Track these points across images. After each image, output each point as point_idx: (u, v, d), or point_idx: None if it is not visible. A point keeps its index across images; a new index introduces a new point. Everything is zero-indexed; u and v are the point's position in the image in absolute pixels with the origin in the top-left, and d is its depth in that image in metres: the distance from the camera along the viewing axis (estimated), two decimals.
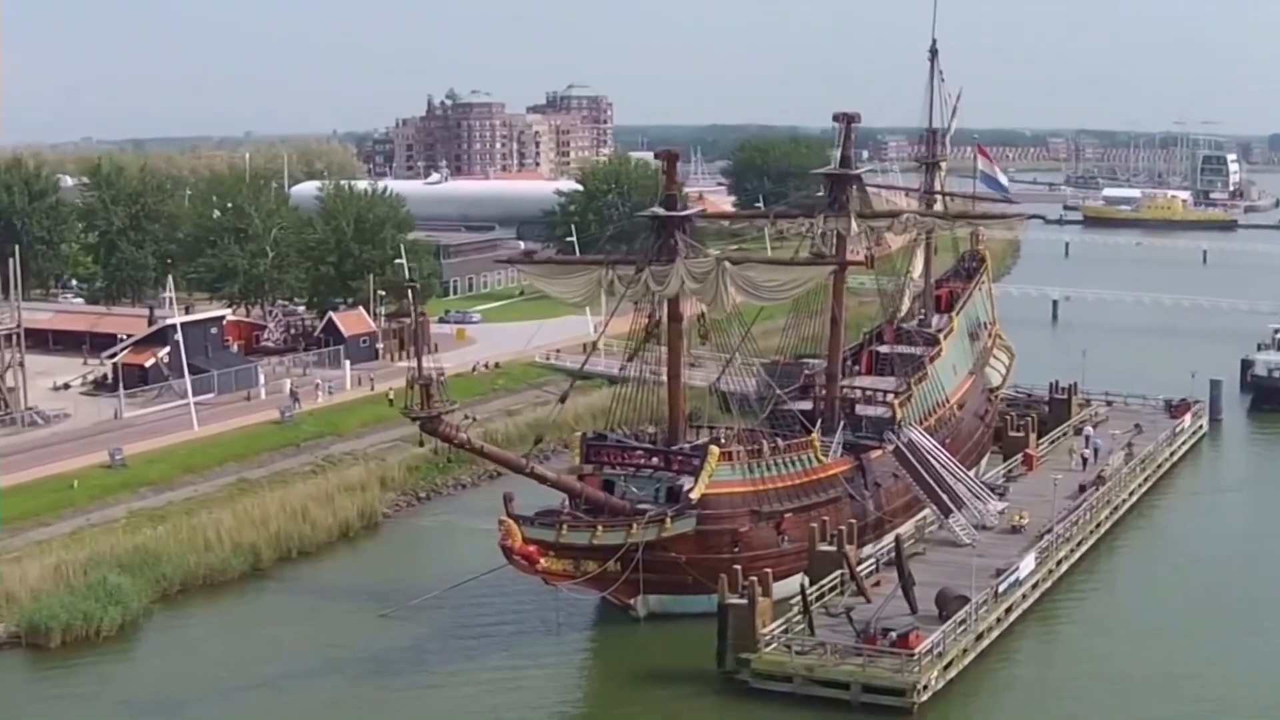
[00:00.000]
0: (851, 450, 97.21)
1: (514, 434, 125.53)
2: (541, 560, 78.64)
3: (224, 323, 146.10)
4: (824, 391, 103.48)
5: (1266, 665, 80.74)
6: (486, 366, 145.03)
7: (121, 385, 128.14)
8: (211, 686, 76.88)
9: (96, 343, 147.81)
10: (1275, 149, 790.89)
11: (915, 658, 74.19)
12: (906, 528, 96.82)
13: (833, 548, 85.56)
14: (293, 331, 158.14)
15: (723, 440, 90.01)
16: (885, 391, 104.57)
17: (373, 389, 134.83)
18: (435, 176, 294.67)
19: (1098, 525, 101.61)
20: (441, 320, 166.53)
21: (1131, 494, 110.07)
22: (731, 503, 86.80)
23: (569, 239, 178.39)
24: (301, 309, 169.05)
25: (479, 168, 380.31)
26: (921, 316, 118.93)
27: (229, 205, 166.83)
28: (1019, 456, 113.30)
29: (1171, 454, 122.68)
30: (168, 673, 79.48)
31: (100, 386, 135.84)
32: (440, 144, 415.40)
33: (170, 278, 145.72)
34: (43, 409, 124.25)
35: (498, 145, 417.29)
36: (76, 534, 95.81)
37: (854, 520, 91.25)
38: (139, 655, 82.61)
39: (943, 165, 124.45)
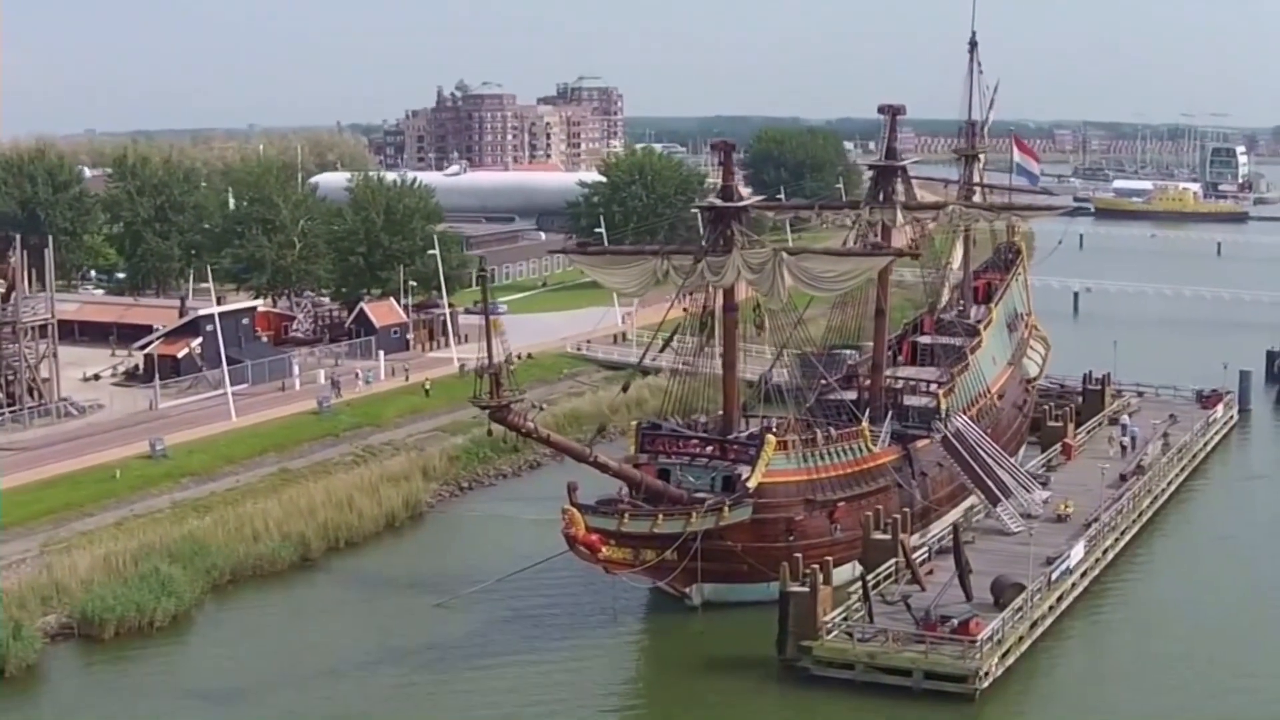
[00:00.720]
0: (899, 440, 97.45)
1: (551, 424, 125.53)
2: (603, 549, 78.82)
3: (255, 314, 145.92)
4: (868, 381, 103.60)
5: None
6: (519, 357, 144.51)
7: (157, 376, 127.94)
8: (269, 677, 77.13)
9: (124, 334, 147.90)
10: None
11: (977, 645, 74.39)
12: (951, 516, 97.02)
13: (887, 536, 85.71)
14: (321, 323, 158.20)
15: (775, 430, 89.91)
16: (930, 381, 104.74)
17: (407, 379, 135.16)
18: (454, 168, 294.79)
19: (1139, 514, 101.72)
20: (468, 311, 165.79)
21: (1170, 483, 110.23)
22: (787, 491, 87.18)
23: (597, 229, 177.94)
24: (325, 300, 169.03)
25: (490, 159, 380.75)
26: (961, 307, 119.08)
27: (250, 197, 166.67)
28: (1058, 446, 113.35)
29: (1206, 444, 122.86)
30: (223, 663, 79.53)
31: (132, 377, 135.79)
32: (452, 135, 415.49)
33: (204, 269, 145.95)
34: (77, 400, 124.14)
35: (509, 136, 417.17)
36: (122, 524, 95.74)
37: (903, 509, 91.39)
38: (193, 646, 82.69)
39: (982, 157, 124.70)
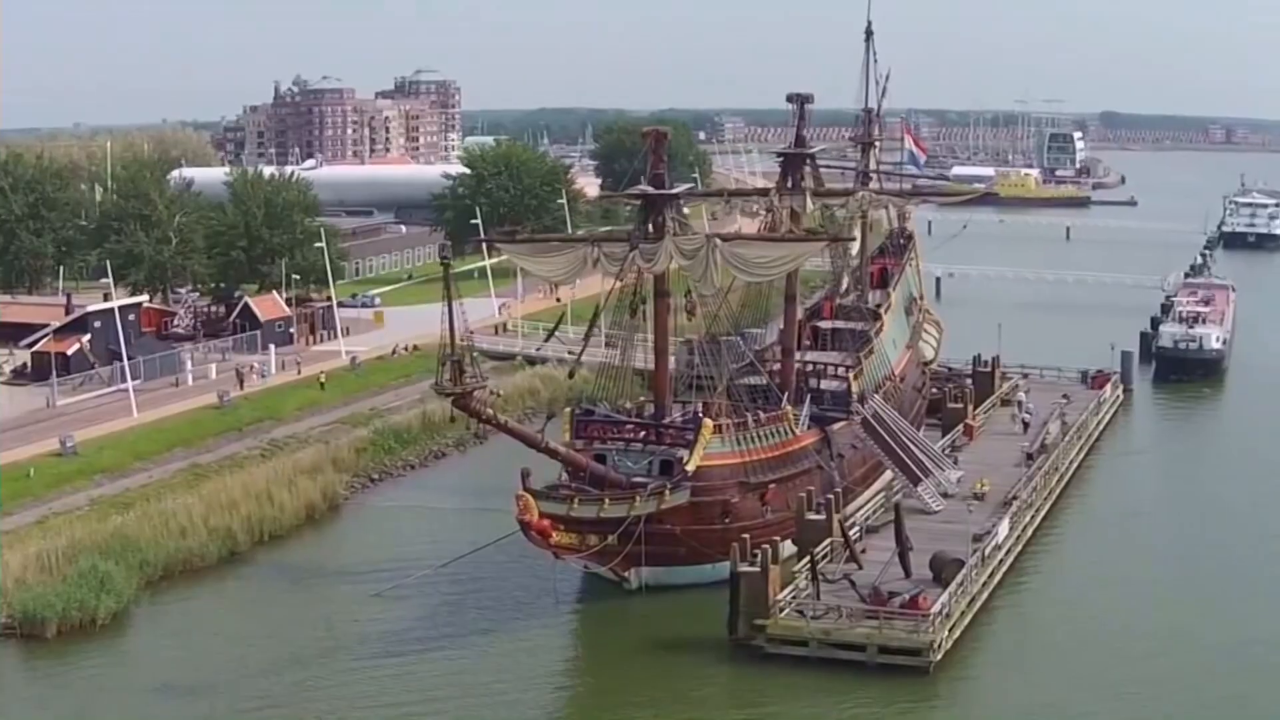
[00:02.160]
0: (817, 422, 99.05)
1: (449, 414, 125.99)
2: (554, 534, 79.58)
3: (141, 310, 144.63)
4: (777, 366, 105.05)
5: (1232, 608, 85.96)
6: (406, 349, 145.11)
7: (54, 373, 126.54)
8: (216, 671, 76.58)
9: (0, 332, 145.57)
10: (1109, 126, 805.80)
11: (930, 619, 76.17)
12: (864, 497, 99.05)
13: (821, 516, 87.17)
14: (200, 318, 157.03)
15: (707, 414, 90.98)
16: (839, 365, 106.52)
17: (299, 373, 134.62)
18: (310, 162, 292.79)
19: (1050, 491, 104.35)
20: (343, 305, 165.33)
21: (1072, 461, 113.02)
22: (722, 474, 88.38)
23: (474, 220, 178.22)
24: (193, 295, 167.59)
25: (331, 154, 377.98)
26: (859, 292, 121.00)
27: (127, 192, 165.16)
28: (960, 427, 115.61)
29: (1099, 423, 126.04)
30: (169, 659, 79.04)
31: (20, 375, 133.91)
32: (292, 130, 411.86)
33: (77, 266, 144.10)
34: None
35: (349, 131, 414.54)
36: (43, 523, 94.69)
37: (824, 490, 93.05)
38: (137, 643, 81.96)
39: (877, 145, 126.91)
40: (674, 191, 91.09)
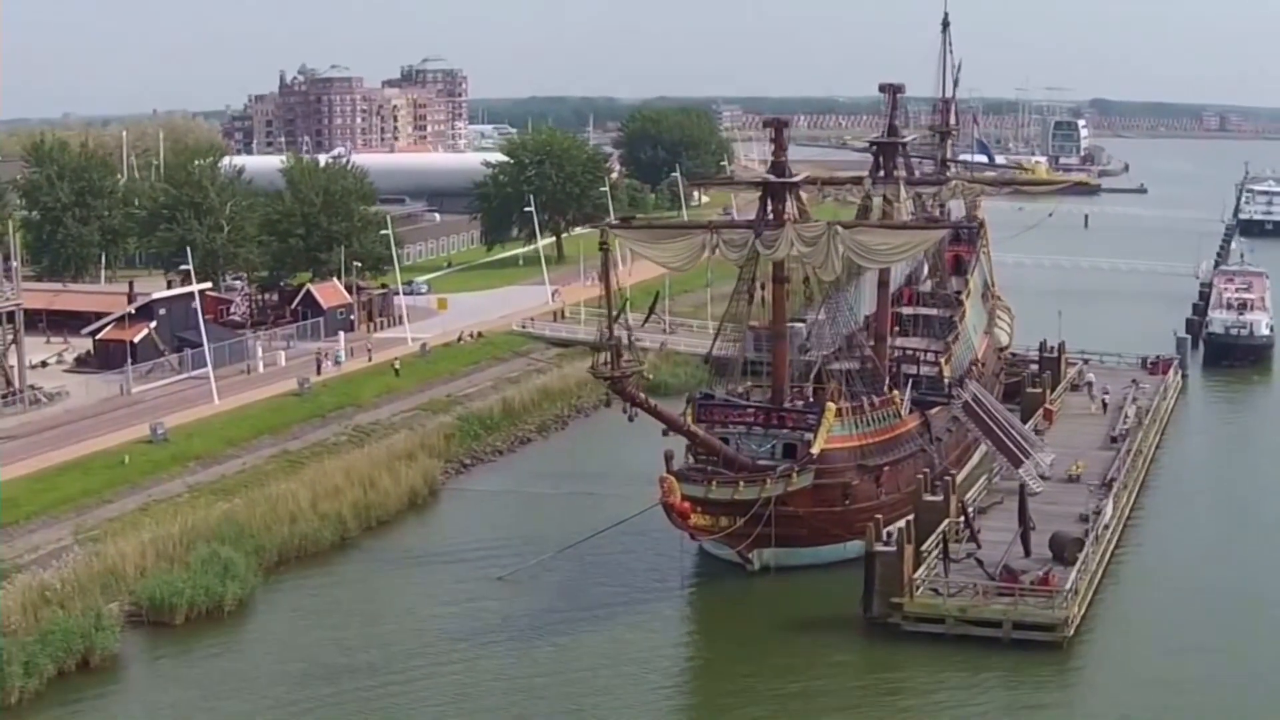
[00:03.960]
0: (917, 406, 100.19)
1: (528, 400, 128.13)
2: (692, 516, 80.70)
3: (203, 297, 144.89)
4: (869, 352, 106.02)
5: None
6: (471, 336, 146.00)
7: (129, 361, 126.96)
8: (343, 655, 77.18)
9: (53, 320, 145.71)
10: (1103, 113, 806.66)
11: (1063, 595, 77.45)
12: (960, 478, 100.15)
13: (938, 497, 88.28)
14: (256, 305, 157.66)
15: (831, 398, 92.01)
16: (932, 351, 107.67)
17: (370, 359, 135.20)
18: (338, 150, 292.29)
19: (1139, 472, 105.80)
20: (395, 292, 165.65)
21: (1150, 443, 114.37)
22: (843, 457, 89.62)
23: (527, 209, 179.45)
24: (239, 283, 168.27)
25: (339, 142, 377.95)
26: (937, 279, 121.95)
27: (179, 180, 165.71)
28: (1040, 412, 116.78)
29: (1167, 407, 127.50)
30: (299, 644, 79.63)
31: (83, 363, 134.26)
32: (300, 119, 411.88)
33: (129, 254, 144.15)
34: (44, 387, 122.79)
35: (358, 120, 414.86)
36: (145, 509, 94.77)
37: (928, 471, 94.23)
38: (265, 628, 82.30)
39: (954, 134, 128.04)
40: (794, 179, 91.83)
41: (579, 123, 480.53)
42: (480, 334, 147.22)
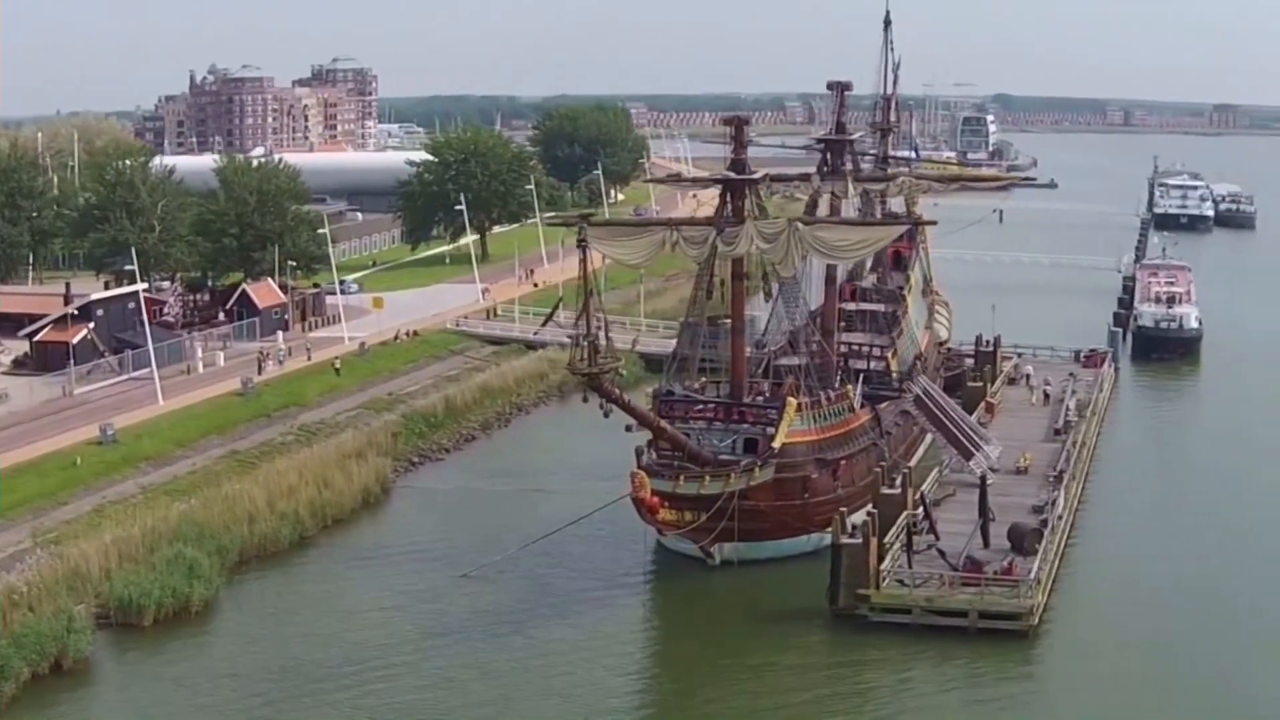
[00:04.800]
0: (868, 400, 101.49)
1: (470, 398, 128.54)
2: (660, 511, 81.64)
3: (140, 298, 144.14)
4: (815, 347, 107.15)
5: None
6: (407, 335, 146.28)
7: (72, 363, 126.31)
8: (323, 654, 77.15)
9: None
10: (1006, 108, 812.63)
11: (1027, 584, 79.03)
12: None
13: (896, 490, 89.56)
14: (189, 306, 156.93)
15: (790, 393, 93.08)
16: (878, 346, 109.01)
17: (309, 358, 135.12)
18: (259, 150, 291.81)
19: (1084, 464, 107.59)
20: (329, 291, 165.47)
21: (1090, 435, 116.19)
22: (803, 451, 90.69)
23: (458, 207, 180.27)
24: (167, 283, 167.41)
25: (252, 142, 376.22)
26: (879, 274, 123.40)
27: (112, 180, 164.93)
28: (982, 405, 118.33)
29: (1104, 399, 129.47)
30: (266, 644, 79.30)
31: (20, 365, 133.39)
32: (212, 119, 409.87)
33: (55, 255, 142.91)
34: None
35: (269, 120, 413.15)
36: (101, 511, 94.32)
37: (884, 465, 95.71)
38: (236, 628, 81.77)
39: (895, 130, 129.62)
40: (755, 177, 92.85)
41: (485, 121, 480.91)
42: (416, 333, 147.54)
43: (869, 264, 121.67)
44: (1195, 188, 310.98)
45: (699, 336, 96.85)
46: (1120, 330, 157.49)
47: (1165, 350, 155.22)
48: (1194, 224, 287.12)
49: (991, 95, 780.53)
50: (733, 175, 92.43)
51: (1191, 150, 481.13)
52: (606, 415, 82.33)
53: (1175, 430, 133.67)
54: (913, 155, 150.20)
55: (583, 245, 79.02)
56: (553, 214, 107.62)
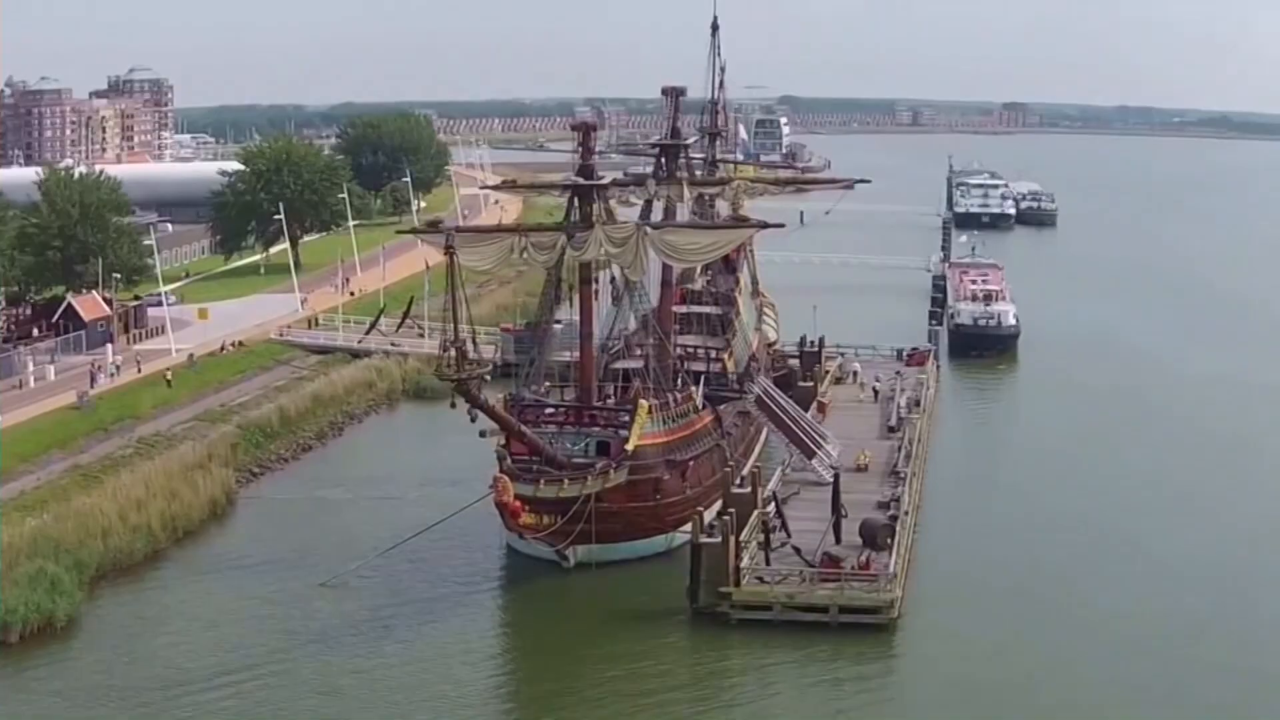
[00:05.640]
0: (709, 402, 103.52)
1: (303, 408, 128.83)
2: (523, 515, 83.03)
3: None
4: (654, 350, 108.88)
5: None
6: (233, 346, 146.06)
7: None
8: (196, 664, 77.11)
9: None
10: (794, 110, 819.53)
11: (886, 578, 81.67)
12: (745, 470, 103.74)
13: (746, 489, 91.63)
14: (12, 320, 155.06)
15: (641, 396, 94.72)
16: (714, 348, 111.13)
17: (140, 371, 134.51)
18: (67, 162, 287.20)
19: (920, 460, 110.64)
20: (147, 303, 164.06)
21: (921, 432, 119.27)
22: (654, 453, 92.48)
23: (277, 216, 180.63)
24: None
25: (51, 155, 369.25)
26: (709, 277, 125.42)
27: None
28: (814, 404, 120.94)
29: (930, 396, 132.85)
30: (146, 656, 78.59)
31: None
32: (10, 133, 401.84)
33: None
34: None
35: (68, 132, 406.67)
36: None
37: (725, 465, 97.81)
38: (105, 643, 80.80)
39: (724, 135, 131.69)
40: (603, 182, 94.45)
41: (276, 130, 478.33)
42: (241, 343, 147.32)
43: (699, 267, 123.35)
44: (996, 186, 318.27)
45: (548, 342, 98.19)
46: (940, 328, 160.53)
47: (984, 347, 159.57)
48: (996, 222, 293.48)
49: (778, 97, 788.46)
50: (580, 180, 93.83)
51: (982, 149, 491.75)
52: (473, 420, 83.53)
53: (1001, 425, 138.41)
54: (740, 158, 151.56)
55: (450, 252, 79.80)
56: (414, 227, 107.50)
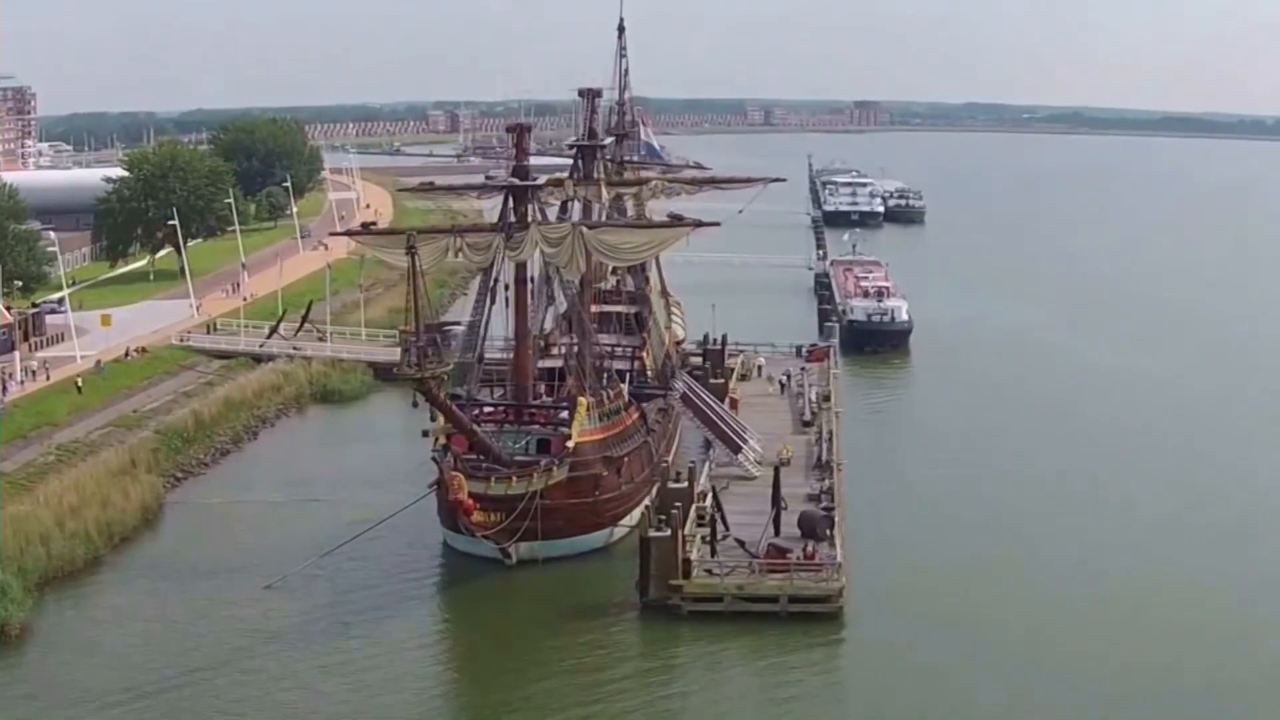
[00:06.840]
0: (634, 400, 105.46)
1: (215, 412, 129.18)
2: (474, 513, 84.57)
3: None
4: (581, 348, 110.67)
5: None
6: (137, 352, 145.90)
7: None
8: (164, 663, 77.90)
9: None
10: (645, 111, 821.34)
11: (833, 568, 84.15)
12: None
13: (684, 484, 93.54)
14: None
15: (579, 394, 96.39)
16: (631, 346, 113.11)
17: (48, 378, 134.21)
18: None
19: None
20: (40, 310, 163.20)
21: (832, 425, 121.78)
22: (593, 450, 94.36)
23: (171, 222, 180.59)
24: None
25: None
26: (619, 277, 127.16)
27: None
28: (727, 401, 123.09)
29: (835, 391, 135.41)
30: (105, 661, 79.00)
31: None
32: None
33: None
34: None
35: None
36: None
37: (653, 461, 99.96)
38: (61, 649, 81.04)
39: (632, 136, 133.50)
40: (538, 183, 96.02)
41: (131, 138, 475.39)
42: (144, 349, 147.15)
43: (608, 267, 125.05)
44: (864, 185, 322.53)
45: (480, 341, 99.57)
46: (835, 325, 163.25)
47: (878, 343, 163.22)
48: (865, 220, 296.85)
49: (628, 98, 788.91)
50: (516, 181, 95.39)
51: (837, 147, 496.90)
52: (434, 418, 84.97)
53: (902, 417, 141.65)
54: (649, 158, 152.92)
55: (412, 251, 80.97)
56: (362, 228, 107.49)
